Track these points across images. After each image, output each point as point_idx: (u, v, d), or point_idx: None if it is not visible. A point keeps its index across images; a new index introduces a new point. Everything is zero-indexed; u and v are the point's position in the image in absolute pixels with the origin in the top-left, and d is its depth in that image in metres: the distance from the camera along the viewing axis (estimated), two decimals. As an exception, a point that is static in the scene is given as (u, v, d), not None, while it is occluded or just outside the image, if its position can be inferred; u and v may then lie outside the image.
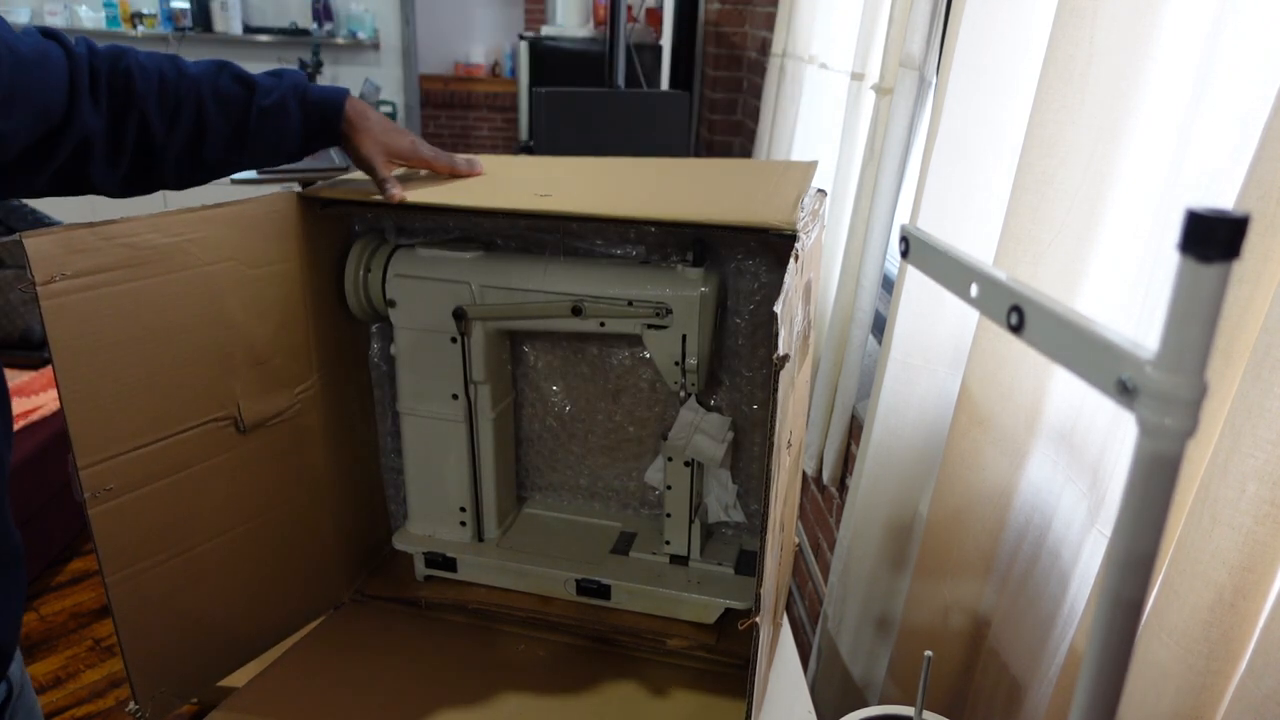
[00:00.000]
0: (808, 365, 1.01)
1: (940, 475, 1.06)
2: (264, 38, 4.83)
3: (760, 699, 0.89)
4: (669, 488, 1.11)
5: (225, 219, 0.87)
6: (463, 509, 1.15)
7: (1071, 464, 0.92)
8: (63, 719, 1.94)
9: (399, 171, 0.99)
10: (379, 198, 0.92)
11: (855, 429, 1.56)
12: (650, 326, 1.01)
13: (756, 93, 2.61)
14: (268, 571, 1.01)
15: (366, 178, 0.95)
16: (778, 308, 0.69)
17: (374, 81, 4.31)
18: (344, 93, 0.92)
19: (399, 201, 0.93)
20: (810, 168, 1.03)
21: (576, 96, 2.44)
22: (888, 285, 1.51)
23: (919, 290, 1.17)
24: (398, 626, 1.10)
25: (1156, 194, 0.83)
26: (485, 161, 1.09)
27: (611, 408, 1.20)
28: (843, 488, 1.64)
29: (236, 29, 4.77)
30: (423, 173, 1.01)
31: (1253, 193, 0.62)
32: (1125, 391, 0.31)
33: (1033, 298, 0.37)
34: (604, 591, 1.10)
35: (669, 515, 1.12)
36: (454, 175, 1.00)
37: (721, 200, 0.90)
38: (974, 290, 0.42)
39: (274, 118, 0.87)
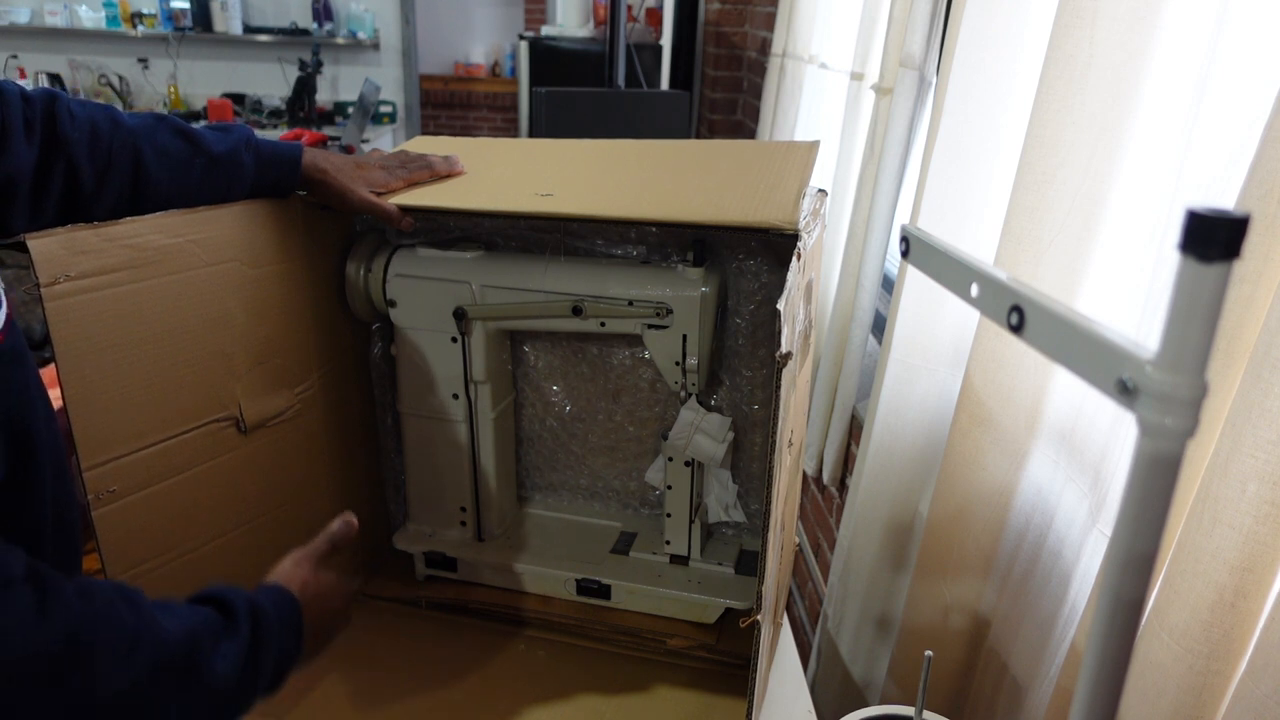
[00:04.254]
0: (808, 365, 1.01)
1: (941, 475, 1.06)
2: (264, 38, 4.83)
3: (760, 698, 0.89)
4: (669, 488, 1.11)
5: (228, 220, 0.87)
6: (463, 509, 1.15)
7: (1072, 464, 0.92)
8: (63, 719, 1.94)
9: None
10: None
11: (855, 429, 1.56)
12: (650, 326, 1.01)
13: (756, 93, 2.61)
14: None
15: None
16: (781, 305, 0.69)
17: (374, 81, 4.31)
18: (299, 146, 0.92)
19: (410, 227, 0.93)
20: (812, 149, 1.02)
21: (576, 96, 2.44)
22: (888, 285, 1.51)
23: (919, 290, 1.17)
24: (398, 626, 1.10)
25: (1157, 194, 0.83)
26: (485, 146, 1.08)
27: (611, 408, 1.20)
28: (843, 488, 1.64)
29: (236, 29, 4.77)
30: None
31: (1253, 192, 0.62)
32: (1126, 391, 0.32)
33: (1033, 298, 0.37)
34: (604, 591, 1.10)
35: (669, 515, 1.12)
36: (441, 178, 1.00)
37: (722, 197, 0.90)
38: (974, 290, 0.42)
39: (225, 167, 0.85)
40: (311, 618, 0.66)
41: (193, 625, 0.54)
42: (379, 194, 0.94)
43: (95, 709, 0.47)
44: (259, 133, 0.90)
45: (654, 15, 3.54)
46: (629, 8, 2.74)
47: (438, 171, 0.99)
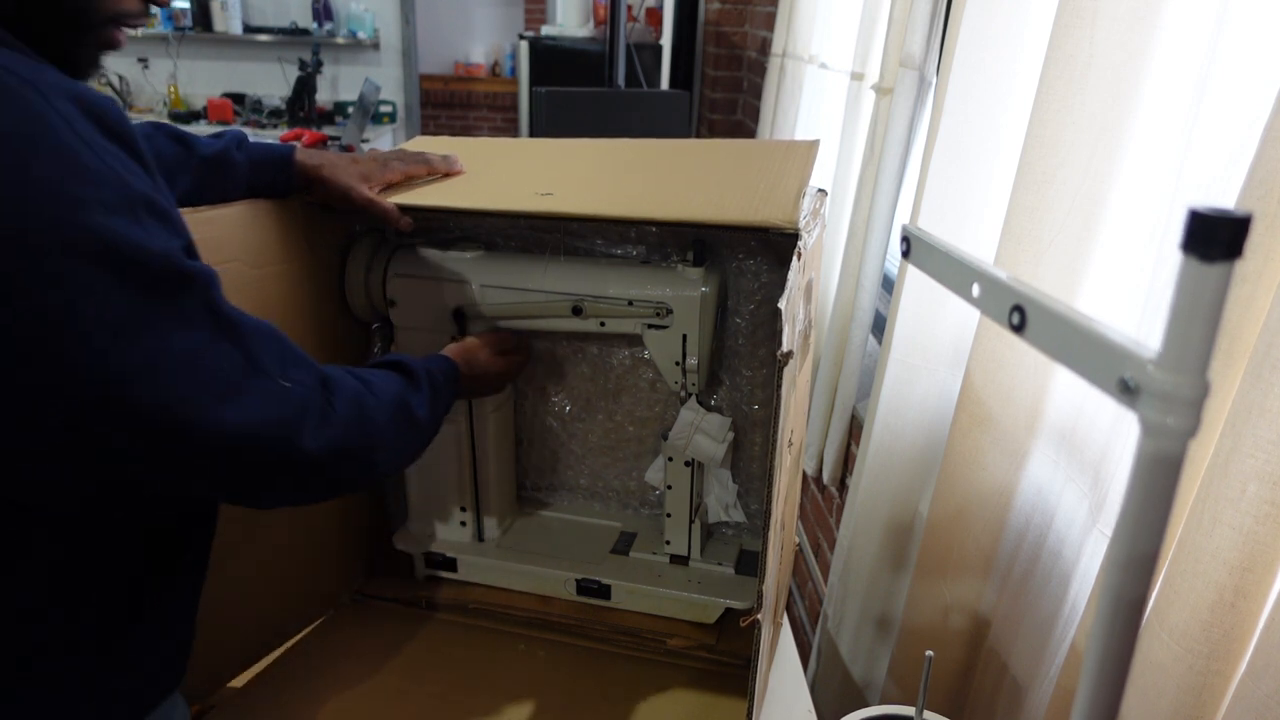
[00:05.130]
0: (808, 365, 1.01)
1: (941, 475, 1.06)
2: (264, 37, 4.83)
3: (760, 699, 0.89)
4: (669, 488, 1.11)
5: (228, 219, 0.87)
6: (463, 509, 1.15)
7: (1072, 464, 0.92)
8: None
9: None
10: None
11: (855, 429, 1.56)
12: (650, 326, 1.01)
13: (756, 93, 2.61)
14: (268, 572, 1.01)
15: None
16: (782, 304, 0.69)
17: (374, 81, 4.31)
18: (291, 145, 0.92)
19: (409, 228, 0.94)
20: (812, 148, 1.02)
21: (576, 96, 2.44)
22: (888, 285, 1.51)
23: (919, 290, 1.17)
24: (398, 626, 1.10)
25: (1157, 194, 0.83)
26: (485, 146, 1.08)
27: (611, 408, 1.20)
28: (843, 488, 1.64)
29: (236, 29, 4.77)
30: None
31: (1254, 192, 0.62)
32: (1127, 391, 0.31)
33: (1034, 297, 0.37)
34: (604, 591, 1.10)
35: (669, 515, 1.12)
36: (439, 175, 1.00)
37: (722, 196, 0.90)
38: (975, 290, 0.42)
39: (218, 167, 0.85)
40: (467, 383, 0.92)
41: (399, 389, 0.76)
42: (377, 190, 0.94)
43: (373, 444, 0.70)
44: (259, 133, 0.91)
45: (654, 15, 3.54)
46: (629, 8, 2.74)
47: (435, 168, 0.99)
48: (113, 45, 0.62)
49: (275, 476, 0.64)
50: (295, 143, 0.95)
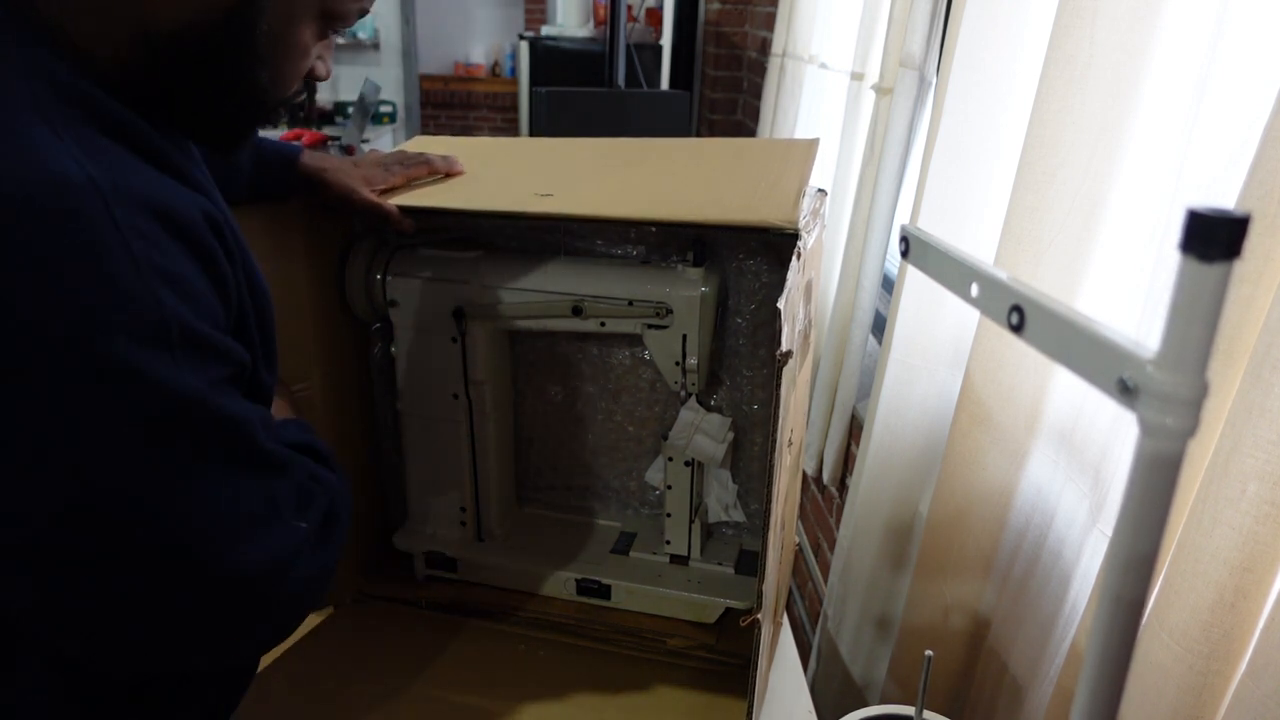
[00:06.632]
0: (808, 365, 1.01)
1: (941, 475, 1.06)
2: (264, 38, 4.82)
3: (760, 698, 0.89)
4: (669, 488, 1.11)
5: None
6: (463, 509, 1.15)
7: (1072, 464, 0.92)
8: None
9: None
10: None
11: (855, 429, 1.56)
12: (650, 326, 1.01)
13: (756, 93, 2.61)
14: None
15: None
16: (781, 304, 0.69)
17: (374, 81, 4.30)
18: (296, 146, 0.92)
19: (411, 229, 0.93)
20: (812, 147, 1.02)
21: (576, 96, 2.44)
22: (888, 285, 1.51)
23: (919, 290, 1.17)
24: (398, 626, 1.10)
25: (1157, 194, 0.83)
26: (485, 146, 1.08)
27: (611, 408, 1.20)
28: (843, 488, 1.64)
29: (236, 29, 4.76)
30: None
31: (1254, 192, 0.62)
32: (1126, 391, 0.31)
33: (1034, 297, 0.37)
34: (604, 591, 1.10)
35: (669, 515, 1.12)
36: (440, 176, 1.00)
37: (722, 196, 0.90)
38: (974, 290, 0.42)
39: (221, 167, 0.82)
40: None
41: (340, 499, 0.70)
42: (379, 192, 0.94)
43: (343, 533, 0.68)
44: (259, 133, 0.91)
45: (654, 15, 3.54)
46: (629, 8, 2.74)
47: (436, 169, 1.00)
48: (274, 122, 0.63)
49: (255, 619, 0.61)
50: (299, 144, 0.95)
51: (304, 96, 0.80)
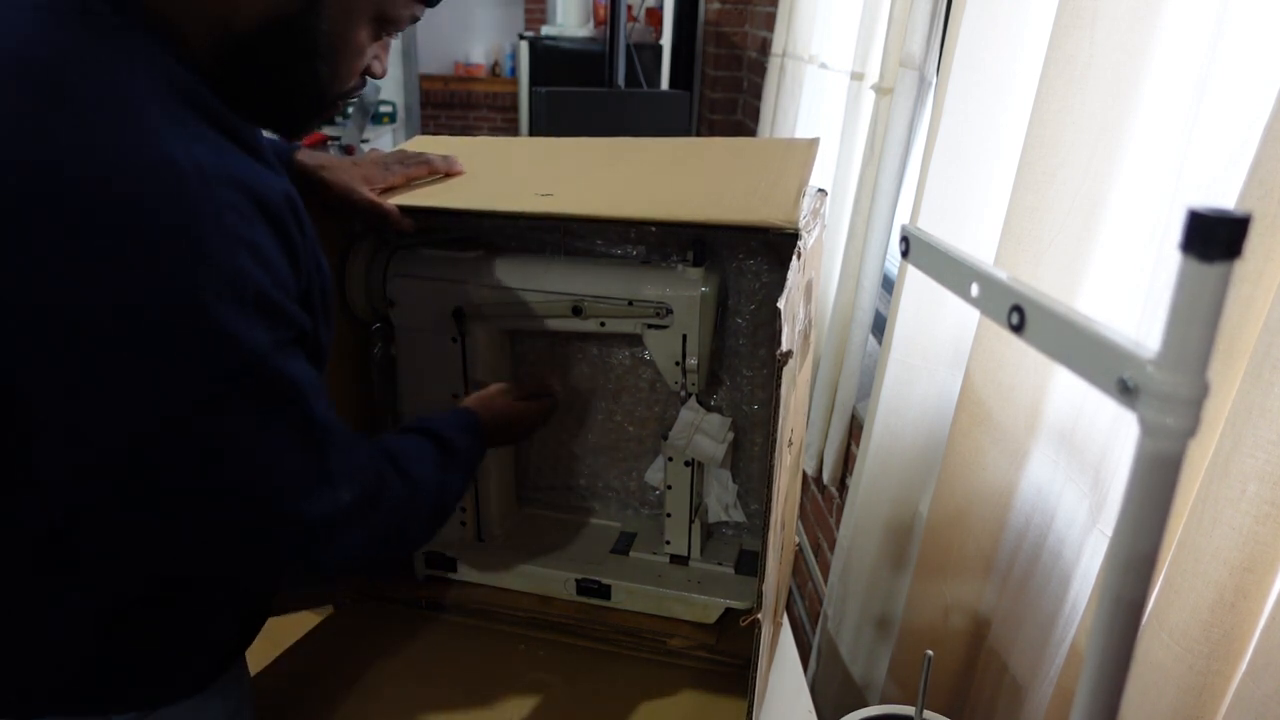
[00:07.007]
0: (808, 365, 1.01)
1: (941, 475, 1.06)
2: (264, 38, 4.82)
3: (760, 698, 0.89)
4: (669, 488, 1.11)
5: None
6: (463, 509, 1.15)
7: (1072, 464, 0.92)
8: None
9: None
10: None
11: (855, 429, 1.56)
12: (650, 326, 1.01)
13: (756, 93, 2.61)
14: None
15: None
16: (781, 304, 0.69)
17: (374, 81, 4.31)
18: (293, 145, 0.93)
19: (411, 228, 0.94)
20: (812, 146, 1.02)
21: (576, 96, 2.44)
22: (888, 285, 1.51)
23: (919, 290, 1.17)
24: (398, 626, 1.10)
25: (1157, 194, 0.83)
26: (485, 146, 1.08)
27: (611, 408, 1.20)
28: (843, 488, 1.64)
29: (236, 29, 4.75)
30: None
31: (1254, 192, 0.62)
32: (1126, 391, 0.31)
33: (1034, 297, 0.37)
34: (604, 591, 1.10)
35: (669, 515, 1.12)
36: (440, 176, 1.00)
37: (722, 196, 0.90)
38: (975, 290, 0.42)
39: None
40: (492, 437, 0.92)
41: (435, 474, 0.79)
42: (379, 192, 0.94)
43: (404, 537, 0.77)
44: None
45: (654, 15, 3.54)
46: (629, 8, 2.74)
47: (436, 169, 1.00)
48: (332, 117, 0.74)
49: (289, 568, 0.71)
50: (295, 144, 0.94)
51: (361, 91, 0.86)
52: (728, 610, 1.07)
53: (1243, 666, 0.65)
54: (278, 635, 1.05)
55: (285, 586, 0.85)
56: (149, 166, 0.54)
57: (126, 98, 0.55)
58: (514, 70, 5.73)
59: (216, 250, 0.55)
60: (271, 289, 0.59)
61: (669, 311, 1.00)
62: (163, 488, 0.60)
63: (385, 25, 0.69)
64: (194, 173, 0.55)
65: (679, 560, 1.13)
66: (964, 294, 0.42)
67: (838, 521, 1.59)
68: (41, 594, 0.64)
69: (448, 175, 1.01)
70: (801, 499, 1.93)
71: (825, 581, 1.58)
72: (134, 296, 0.54)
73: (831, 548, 1.68)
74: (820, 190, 1.00)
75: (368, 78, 0.72)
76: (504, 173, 1.05)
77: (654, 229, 1.06)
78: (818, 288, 1.15)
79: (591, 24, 3.78)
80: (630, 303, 1.00)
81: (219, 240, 0.55)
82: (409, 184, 0.97)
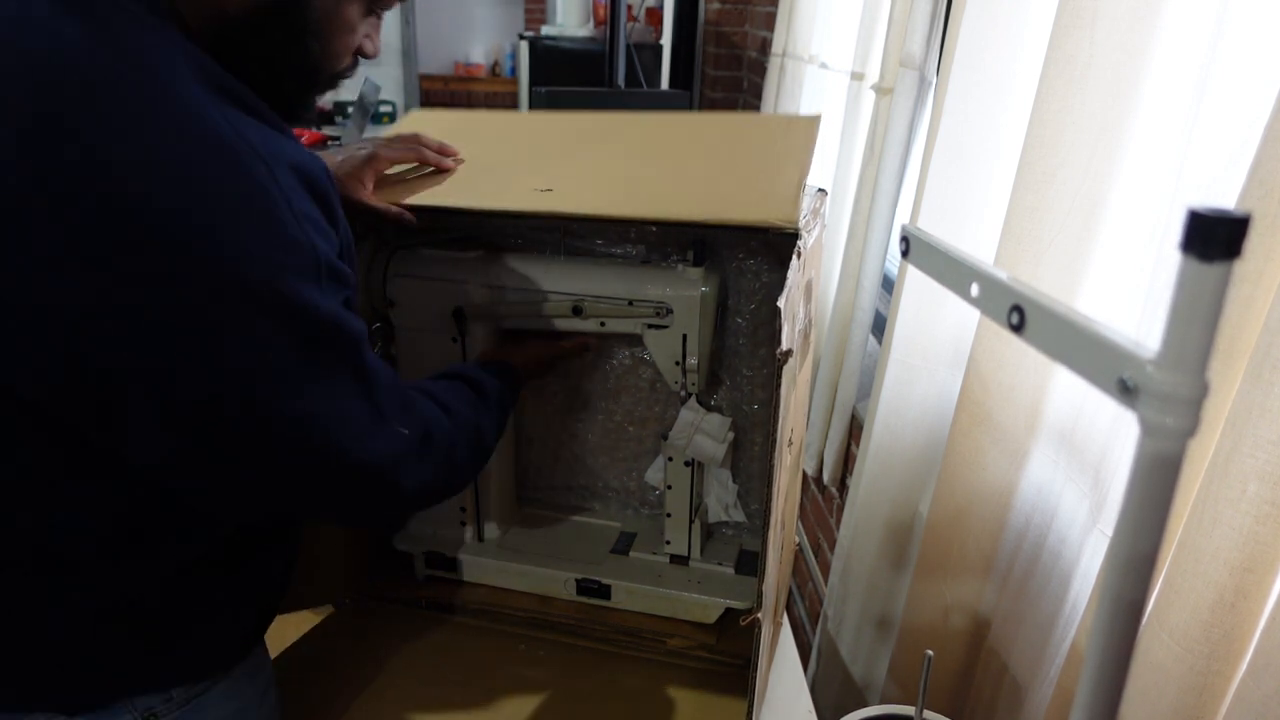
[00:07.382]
0: (808, 365, 1.01)
1: (941, 475, 1.06)
2: (264, 38, 4.81)
3: (760, 699, 0.89)
4: (669, 487, 1.11)
5: None
6: (463, 509, 1.15)
7: (1072, 464, 0.92)
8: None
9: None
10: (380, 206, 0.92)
11: (855, 429, 1.56)
12: (650, 326, 1.01)
13: (756, 93, 2.61)
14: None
15: None
16: (781, 303, 0.69)
17: (374, 81, 4.29)
18: None
19: (413, 222, 0.93)
20: (812, 125, 1.00)
21: (576, 96, 2.44)
22: (888, 285, 1.51)
23: (919, 290, 1.17)
24: (398, 626, 1.10)
25: (1157, 194, 0.83)
26: (480, 121, 1.06)
27: (611, 408, 1.20)
28: (843, 488, 1.64)
29: (236, 29, 4.75)
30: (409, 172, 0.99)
31: (1254, 192, 0.62)
32: (1126, 391, 0.31)
33: (1034, 297, 0.37)
34: (604, 591, 1.10)
35: (669, 515, 1.12)
36: (434, 166, 0.99)
37: (722, 193, 0.89)
38: (975, 290, 0.42)
39: None
40: (526, 375, 0.99)
41: (473, 416, 0.83)
42: (370, 185, 0.92)
43: (453, 476, 0.79)
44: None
45: (654, 15, 3.54)
46: (629, 8, 2.74)
47: (426, 160, 0.97)
48: (325, 92, 0.75)
49: (376, 507, 0.75)
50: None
51: (354, 72, 0.86)
52: (728, 610, 1.07)
53: (1243, 667, 0.65)
54: (278, 635, 1.05)
55: (379, 524, 1.02)
56: (212, 152, 0.56)
57: (169, 81, 0.57)
58: (514, 70, 5.73)
59: (293, 234, 0.58)
60: (331, 257, 0.62)
61: (669, 311, 1.00)
62: (253, 456, 0.63)
63: (376, 2, 0.70)
64: (249, 153, 0.57)
65: (679, 560, 1.13)
66: (964, 294, 0.42)
67: (838, 521, 1.59)
68: (118, 572, 0.67)
69: (439, 171, 0.99)
70: (801, 499, 1.93)
71: (825, 581, 1.58)
72: (217, 280, 0.56)
73: (831, 548, 1.68)
74: (820, 190, 1.00)
75: (359, 58, 0.73)
76: (501, 166, 1.04)
77: (654, 228, 1.06)
78: (818, 287, 1.15)
79: (591, 24, 3.78)
80: (630, 302, 1.00)
81: (293, 224, 0.58)
82: (399, 173, 0.96)
